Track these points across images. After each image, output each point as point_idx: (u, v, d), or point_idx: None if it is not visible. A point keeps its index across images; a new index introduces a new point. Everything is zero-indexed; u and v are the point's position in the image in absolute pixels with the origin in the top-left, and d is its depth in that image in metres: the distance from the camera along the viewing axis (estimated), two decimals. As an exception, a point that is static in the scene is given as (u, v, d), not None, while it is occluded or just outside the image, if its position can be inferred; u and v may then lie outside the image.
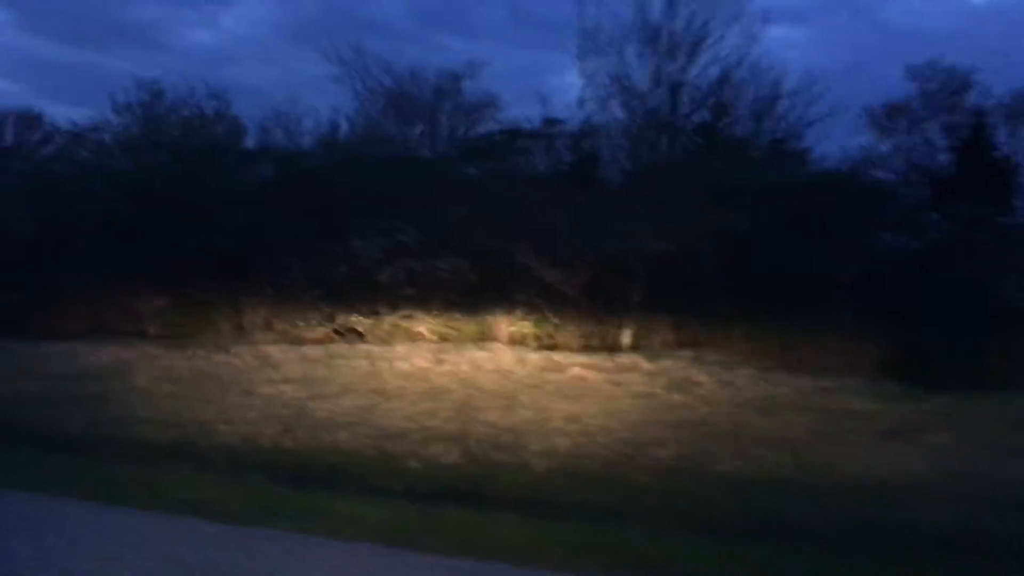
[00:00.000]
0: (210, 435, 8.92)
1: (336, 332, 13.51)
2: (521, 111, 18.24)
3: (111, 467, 7.47)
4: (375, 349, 12.31)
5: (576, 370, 10.97)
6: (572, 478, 7.36)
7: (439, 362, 11.48)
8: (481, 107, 18.42)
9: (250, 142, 17.85)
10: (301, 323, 13.59)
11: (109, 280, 16.33)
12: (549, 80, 33.53)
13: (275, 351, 12.60)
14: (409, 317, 13.18)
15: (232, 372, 11.57)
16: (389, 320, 13.27)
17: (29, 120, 28.84)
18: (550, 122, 14.41)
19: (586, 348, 12.88)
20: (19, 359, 13.02)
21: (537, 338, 12.89)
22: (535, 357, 11.74)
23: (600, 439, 8.38)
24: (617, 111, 14.20)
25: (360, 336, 13.64)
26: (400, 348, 12.29)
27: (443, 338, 13.00)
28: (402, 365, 11.41)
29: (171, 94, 17.55)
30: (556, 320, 13.06)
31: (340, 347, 12.69)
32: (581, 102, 15.10)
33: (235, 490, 6.83)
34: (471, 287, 13.01)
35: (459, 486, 7.32)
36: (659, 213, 13.31)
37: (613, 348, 13.20)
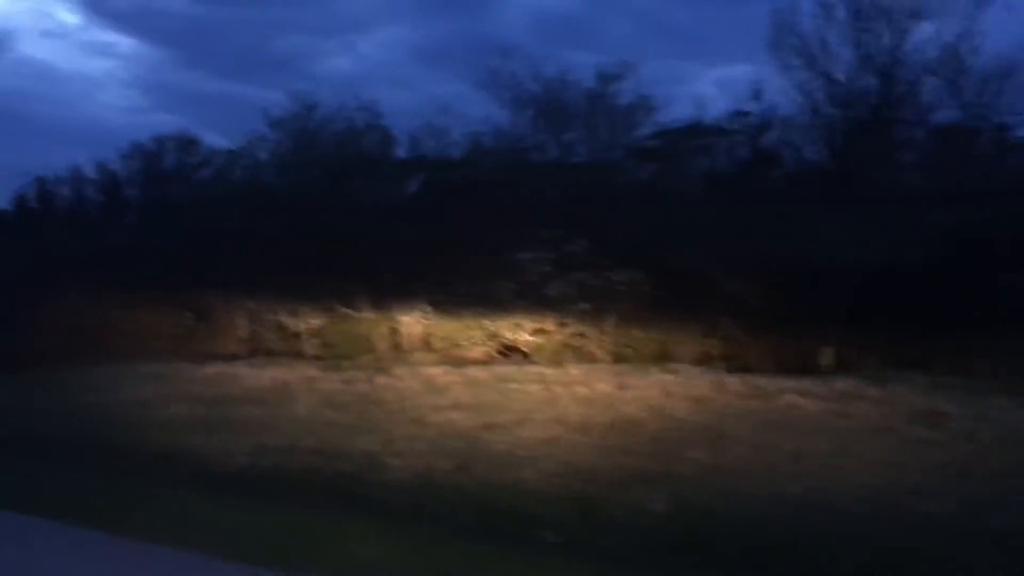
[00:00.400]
0: (379, 470, 8.08)
1: (500, 352, 12.55)
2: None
3: (279, 512, 6.69)
4: (547, 371, 11.25)
5: (787, 397, 9.47)
6: (822, 539, 5.94)
7: (622, 387, 10.27)
8: (637, 110, 17.22)
9: (400, 154, 17.30)
10: (464, 342, 12.72)
11: (265, 299, 16.12)
12: (680, 90, 32.17)
13: (438, 373, 11.78)
14: (580, 335, 12.05)
15: (395, 396, 10.79)
16: (557, 338, 12.18)
17: (186, 144, 30.04)
18: (736, 115, 12.94)
19: (781, 369, 11.29)
20: (181, 382, 12.80)
21: (725, 358, 11.43)
22: (733, 381, 10.31)
23: (843, 485, 6.90)
24: (811, 101, 12.59)
25: (524, 356, 12.62)
26: (575, 370, 11.17)
27: (618, 358, 11.77)
28: (581, 390, 10.28)
29: (323, 107, 17.28)
30: (745, 337, 11.56)
31: (507, 368, 11.71)
32: (756, 94, 13.54)
33: (416, 548, 5.87)
34: (648, 301, 11.72)
35: (675, 543, 6.08)
36: (864, 213, 11.61)
37: (811, 369, 11.56)
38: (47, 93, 51.78)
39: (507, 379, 11.03)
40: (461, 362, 12.41)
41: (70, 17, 56.86)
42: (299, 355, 15.11)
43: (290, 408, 10.65)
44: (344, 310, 14.79)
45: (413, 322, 13.74)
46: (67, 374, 15.34)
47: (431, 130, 16.99)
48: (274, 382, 12.20)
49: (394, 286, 14.17)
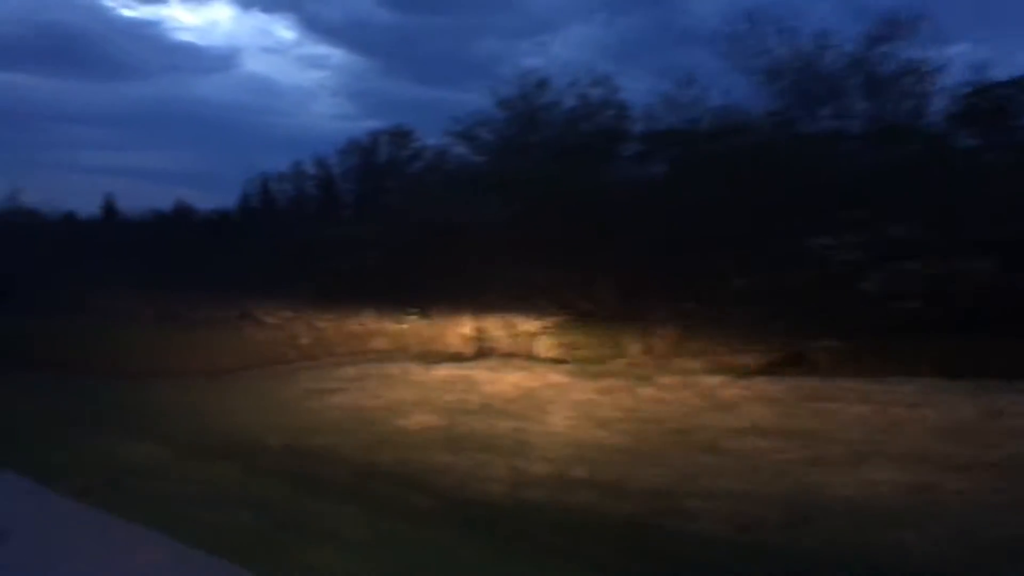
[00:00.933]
0: (682, 516, 6.19)
1: (788, 359, 10.24)
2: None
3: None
4: (867, 387, 8.84)
5: None
6: None
7: (992, 411, 7.73)
8: (909, 75, 14.28)
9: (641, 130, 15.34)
10: (739, 346, 10.54)
11: (493, 295, 14.77)
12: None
13: (716, 384, 9.75)
14: (905, 340, 9.48)
15: (672, 413, 8.88)
16: (866, 345, 9.69)
17: (400, 137, 29.96)
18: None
19: None
20: (413, 385, 11.64)
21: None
22: None
23: None
24: None
25: (815, 365, 10.24)
26: (907, 387, 8.67)
27: (955, 372, 9.09)
28: (929, 414, 7.85)
29: (552, 86, 15.76)
30: None
31: (807, 381, 9.41)
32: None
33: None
34: (1008, 297, 9.00)
35: None
36: None
37: None
38: (267, 105, 55.59)
39: (814, 395, 8.79)
40: (738, 370, 10.27)
41: (287, 33, 60.96)
42: (531, 357, 13.58)
43: (544, 422, 9.04)
44: (586, 306, 13.11)
45: (670, 320, 11.77)
46: (285, 373, 14.80)
47: (670, 106, 14.94)
48: (517, 389, 10.69)
49: (646, 279, 12.31)
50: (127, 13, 59.88)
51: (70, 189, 51.07)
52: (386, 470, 7.62)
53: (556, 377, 11.02)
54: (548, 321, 13.91)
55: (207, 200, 42.85)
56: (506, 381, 11.12)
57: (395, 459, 8.00)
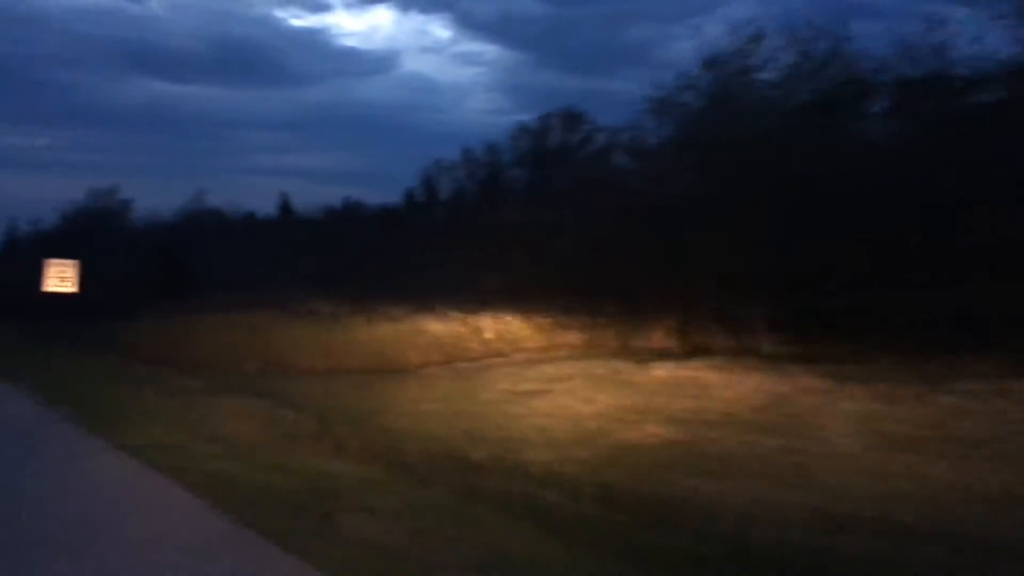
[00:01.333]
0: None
1: None
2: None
3: None
4: None
5: None
6: None
7: None
8: None
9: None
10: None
11: (702, 283, 12.91)
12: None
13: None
14: None
15: (998, 432, 6.79)
16: None
17: (571, 119, 28.47)
18: None
19: None
20: (632, 389, 10.03)
21: None
22: None
23: None
24: None
25: None
26: None
27: None
28: None
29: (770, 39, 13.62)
30: None
31: None
32: None
33: None
34: None
35: None
36: None
37: None
38: (425, 103, 56.16)
39: None
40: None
41: (443, 32, 61.41)
42: (757, 354, 11.61)
43: (821, 440, 7.17)
44: (823, 292, 11.03)
45: (944, 308, 9.54)
46: (473, 371, 13.58)
47: (909, 57, 12.41)
48: (763, 395, 8.82)
49: (904, 256, 10.15)
50: (296, 23, 62.16)
51: (248, 190, 53.51)
52: (634, 500, 6.04)
53: (809, 381, 9.04)
54: (773, 311, 11.92)
55: (371, 196, 43.46)
56: (745, 385, 9.28)
57: (639, 484, 6.42)
